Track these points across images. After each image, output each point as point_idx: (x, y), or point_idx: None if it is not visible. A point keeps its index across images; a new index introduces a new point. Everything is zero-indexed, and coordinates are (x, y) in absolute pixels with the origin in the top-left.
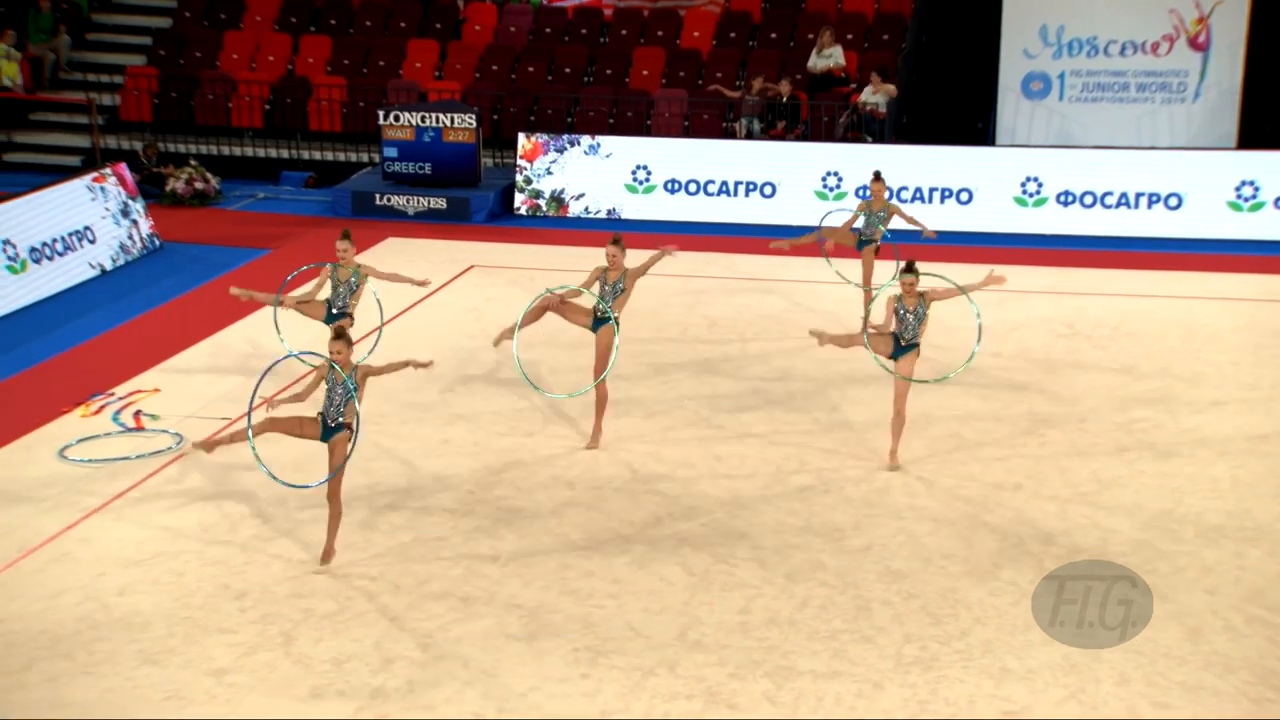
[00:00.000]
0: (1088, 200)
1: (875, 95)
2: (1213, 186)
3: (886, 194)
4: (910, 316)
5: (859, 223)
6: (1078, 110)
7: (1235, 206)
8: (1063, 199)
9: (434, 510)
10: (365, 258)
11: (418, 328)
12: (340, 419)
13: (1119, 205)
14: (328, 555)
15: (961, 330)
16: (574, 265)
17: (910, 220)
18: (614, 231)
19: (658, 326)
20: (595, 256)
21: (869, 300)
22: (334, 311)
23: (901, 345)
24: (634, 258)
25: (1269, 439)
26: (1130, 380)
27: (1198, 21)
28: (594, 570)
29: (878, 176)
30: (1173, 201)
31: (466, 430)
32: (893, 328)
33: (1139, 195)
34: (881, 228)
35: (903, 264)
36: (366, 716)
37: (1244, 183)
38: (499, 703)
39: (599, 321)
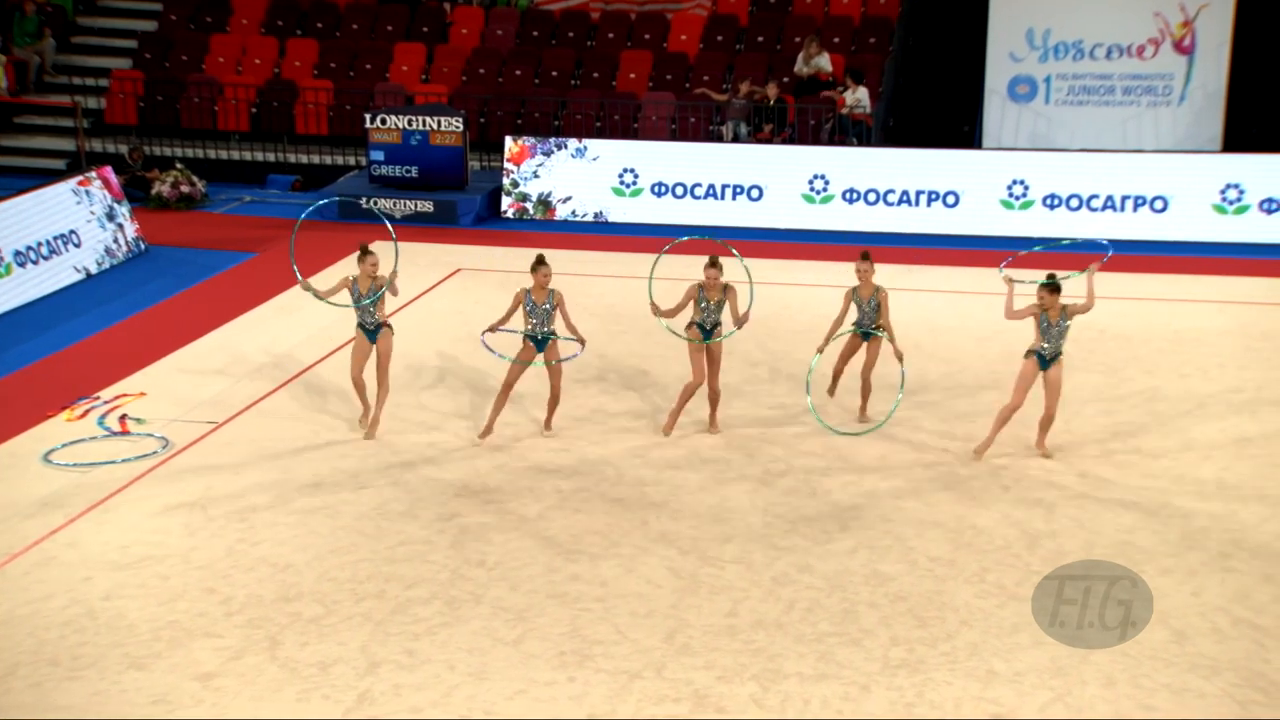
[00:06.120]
0: (1074, 203)
1: (853, 96)
2: (1198, 189)
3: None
4: (1054, 330)
5: (852, 316)
6: (1063, 113)
7: (1220, 209)
8: (1049, 202)
9: (420, 513)
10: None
11: (405, 332)
12: (548, 324)
13: (1105, 208)
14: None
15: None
16: (561, 269)
17: (889, 326)
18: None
19: (645, 330)
20: (582, 259)
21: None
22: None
23: (1047, 360)
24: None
25: (1254, 441)
26: (1117, 382)
27: (1183, 25)
28: (580, 573)
29: (865, 256)
30: (1158, 204)
31: (453, 434)
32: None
33: (1125, 198)
34: (878, 317)
35: (1045, 278)
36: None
37: (1229, 185)
38: (486, 706)
39: (708, 335)
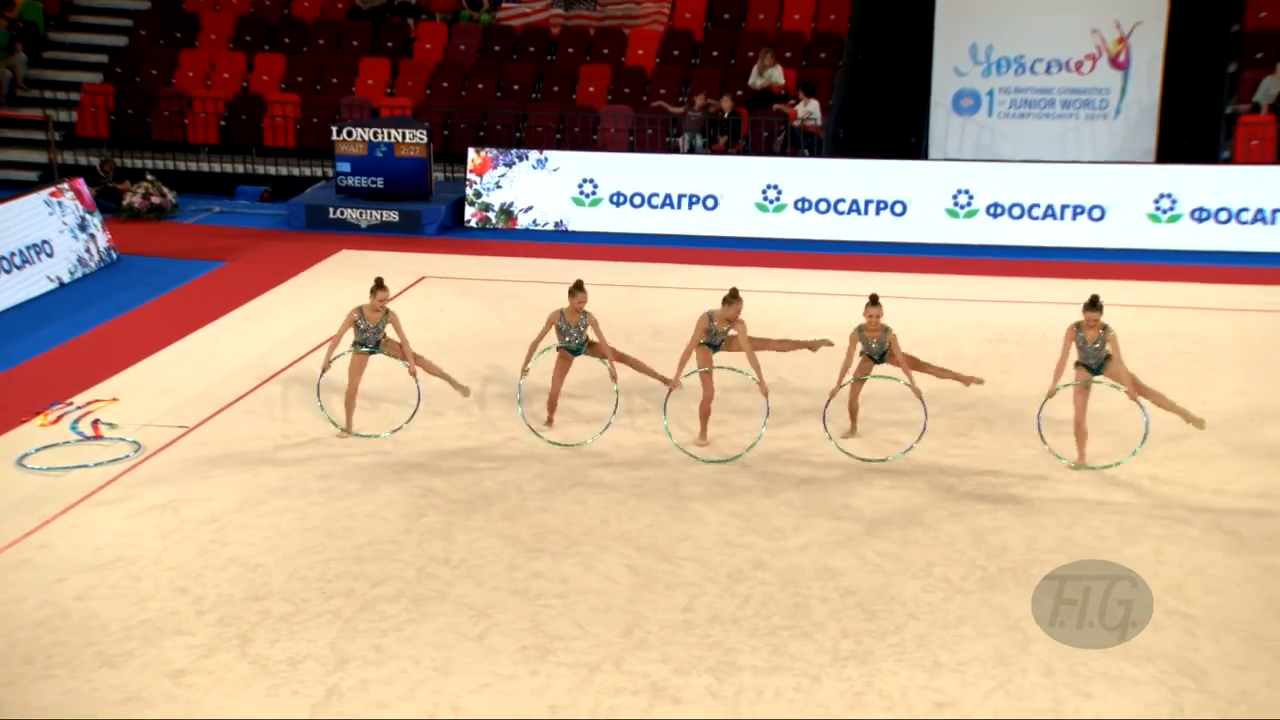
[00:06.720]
0: (1016, 212)
1: (805, 109)
2: (1133, 199)
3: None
4: (1091, 347)
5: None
6: (1006, 126)
7: (1154, 218)
8: (992, 210)
9: (387, 514)
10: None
11: None
12: (581, 339)
13: (1045, 217)
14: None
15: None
16: (523, 276)
17: (902, 363)
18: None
19: (611, 335)
20: (541, 267)
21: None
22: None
23: (1094, 369)
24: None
25: (1182, 440)
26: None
27: (1118, 41)
28: (542, 570)
29: (874, 301)
30: (1095, 213)
31: (420, 435)
32: (1075, 357)
33: (1064, 207)
34: (889, 358)
35: (1087, 299)
36: (322, 715)
37: (1162, 195)
38: (451, 699)
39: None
